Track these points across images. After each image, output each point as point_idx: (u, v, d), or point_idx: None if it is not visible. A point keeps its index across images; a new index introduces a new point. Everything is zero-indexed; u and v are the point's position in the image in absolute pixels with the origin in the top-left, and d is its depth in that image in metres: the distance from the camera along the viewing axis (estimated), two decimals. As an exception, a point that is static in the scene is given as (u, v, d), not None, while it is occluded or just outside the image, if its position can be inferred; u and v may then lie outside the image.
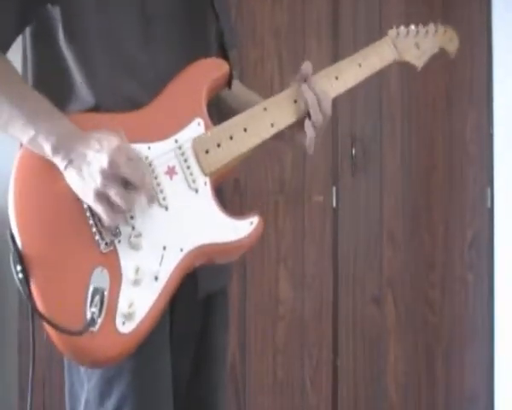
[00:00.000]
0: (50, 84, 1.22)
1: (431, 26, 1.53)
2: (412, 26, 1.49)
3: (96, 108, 1.19)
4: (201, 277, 1.24)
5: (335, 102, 1.37)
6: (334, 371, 2.82)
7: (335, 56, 2.86)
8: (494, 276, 2.96)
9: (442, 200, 2.97)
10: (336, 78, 1.36)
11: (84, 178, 1.09)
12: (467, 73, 3.01)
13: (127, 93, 1.21)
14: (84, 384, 1.20)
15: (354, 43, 2.90)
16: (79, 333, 1.04)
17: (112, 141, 1.09)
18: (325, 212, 2.83)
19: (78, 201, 1.11)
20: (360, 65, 1.39)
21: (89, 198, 1.09)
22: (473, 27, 3.03)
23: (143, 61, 1.24)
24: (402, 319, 2.90)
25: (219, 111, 1.37)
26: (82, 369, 1.20)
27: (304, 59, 2.79)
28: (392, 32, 1.47)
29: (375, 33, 2.92)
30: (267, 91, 2.72)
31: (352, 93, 1.46)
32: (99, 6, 1.20)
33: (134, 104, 1.20)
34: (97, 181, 1.08)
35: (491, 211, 2.98)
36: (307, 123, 1.29)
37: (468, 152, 3.00)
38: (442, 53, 1.58)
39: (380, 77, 2.91)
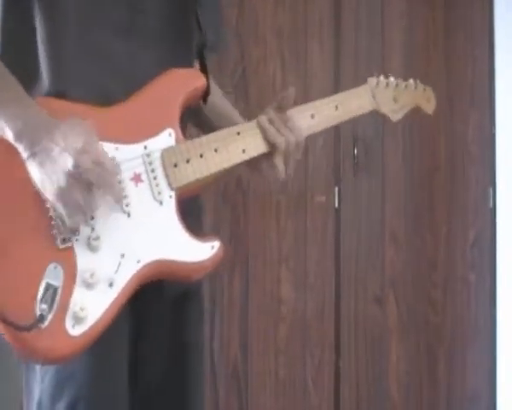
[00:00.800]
0: (15, 60, 1.15)
1: (410, 82, 1.52)
2: (392, 78, 1.48)
3: (61, 95, 1.13)
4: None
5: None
6: (336, 371, 2.82)
7: (337, 56, 2.87)
8: (496, 276, 2.96)
9: (444, 200, 2.97)
10: (312, 116, 1.32)
11: (47, 175, 1.04)
12: (468, 73, 3.01)
13: (98, 82, 1.17)
14: (38, 384, 1.18)
15: (356, 43, 2.90)
16: (27, 329, 1.01)
17: (78, 139, 1.04)
18: (327, 212, 2.83)
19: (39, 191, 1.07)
20: (337, 108, 1.36)
21: (50, 195, 1.05)
22: (474, 27, 3.03)
23: (120, 52, 1.20)
24: (404, 318, 2.90)
25: (198, 122, 1.34)
26: (37, 368, 1.17)
27: (306, 58, 2.83)
28: (371, 81, 1.45)
29: (377, 33, 2.93)
30: (269, 91, 2.76)
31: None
32: None
33: (104, 96, 1.16)
34: (60, 181, 1.03)
35: (493, 211, 2.98)
36: (277, 156, 1.26)
37: (470, 152, 3.00)
38: (417, 110, 1.57)
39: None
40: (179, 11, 1.27)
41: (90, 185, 1.04)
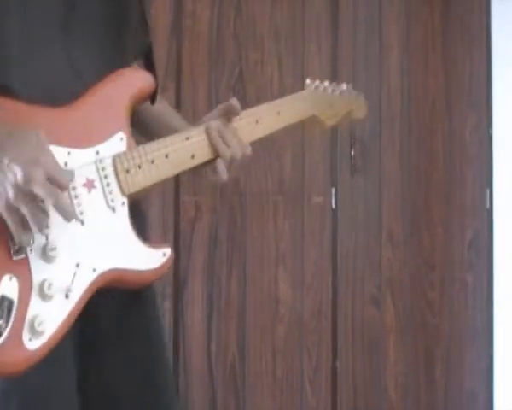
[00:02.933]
0: None
1: (345, 86, 1.50)
2: (326, 83, 1.46)
3: (6, 90, 1.08)
4: None
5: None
6: (334, 371, 2.82)
7: (335, 57, 2.87)
8: (493, 277, 2.96)
9: (441, 201, 2.98)
10: (256, 122, 1.32)
11: None
12: (466, 73, 3.02)
13: (40, 78, 1.12)
14: None
15: (354, 44, 2.90)
16: None
17: (30, 151, 1.00)
18: (324, 213, 2.83)
19: None
20: (279, 113, 1.37)
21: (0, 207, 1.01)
22: (472, 29, 3.04)
23: (57, 47, 1.15)
24: (401, 319, 2.91)
25: (136, 125, 1.31)
26: None
27: (303, 60, 2.83)
28: (309, 85, 1.44)
29: (375, 35, 2.93)
30: (267, 93, 2.76)
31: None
32: None
33: (47, 92, 1.11)
34: (9, 194, 0.99)
35: (490, 212, 2.98)
36: (221, 164, 1.27)
37: (467, 153, 3.01)
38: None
39: (379, 77, 2.92)
40: (118, 11, 1.24)
41: (40, 201, 1.00)
